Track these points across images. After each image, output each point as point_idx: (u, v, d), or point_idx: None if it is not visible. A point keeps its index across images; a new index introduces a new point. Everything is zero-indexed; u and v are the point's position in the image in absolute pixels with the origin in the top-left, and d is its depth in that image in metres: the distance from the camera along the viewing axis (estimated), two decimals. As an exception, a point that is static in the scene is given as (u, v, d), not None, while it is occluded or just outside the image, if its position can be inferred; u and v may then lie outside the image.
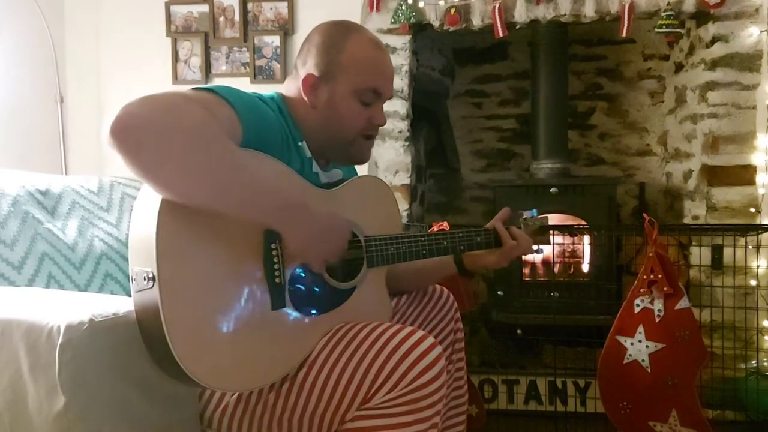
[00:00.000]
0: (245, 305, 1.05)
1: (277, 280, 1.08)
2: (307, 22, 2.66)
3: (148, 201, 0.98)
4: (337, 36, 1.23)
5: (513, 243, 1.40)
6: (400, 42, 2.58)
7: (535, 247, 1.48)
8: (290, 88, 1.26)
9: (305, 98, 1.22)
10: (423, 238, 1.32)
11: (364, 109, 1.24)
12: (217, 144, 0.95)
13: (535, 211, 1.48)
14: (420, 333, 1.07)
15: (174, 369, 0.96)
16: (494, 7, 2.42)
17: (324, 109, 1.22)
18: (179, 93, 1.00)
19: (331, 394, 1.06)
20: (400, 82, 2.58)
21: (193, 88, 1.06)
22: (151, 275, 0.95)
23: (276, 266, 1.08)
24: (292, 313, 1.11)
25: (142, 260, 0.97)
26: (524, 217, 1.47)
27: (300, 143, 1.23)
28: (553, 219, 2.67)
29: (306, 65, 1.23)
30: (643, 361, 1.81)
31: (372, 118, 1.26)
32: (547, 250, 2.51)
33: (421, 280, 1.49)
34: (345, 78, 1.21)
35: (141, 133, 0.90)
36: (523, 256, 2.65)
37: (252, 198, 0.99)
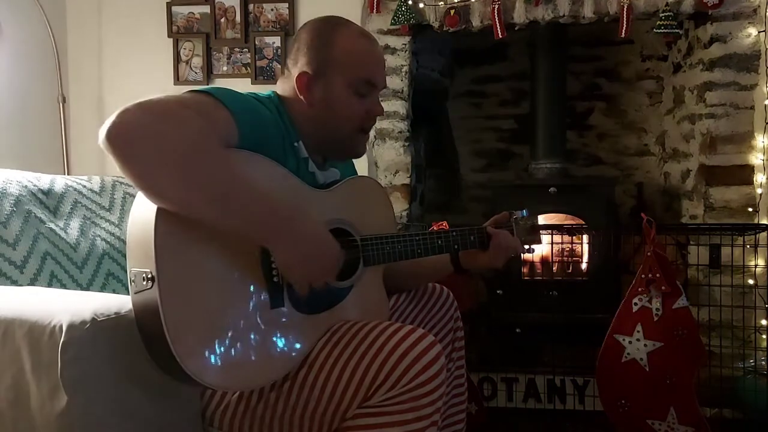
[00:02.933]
0: (244, 304, 1.05)
1: (275, 279, 1.09)
2: (307, 23, 2.67)
3: (146, 202, 0.98)
4: (325, 31, 1.23)
5: (501, 244, 1.41)
6: (400, 43, 2.59)
7: (526, 246, 1.49)
8: (284, 88, 1.27)
9: (301, 97, 1.22)
10: (418, 237, 1.32)
11: (361, 101, 1.25)
12: (210, 155, 0.96)
13: (525, 211, 1.49)
14: (419, 331, 1.07)
15: (175, 369, 0.97)
16: (493, 8, 2.43)
17: (321, 106, 1.23)
18: (176, 98, 1.01)
19: (332, 393, 1.07)
20: (400, 83, 2.59)
21: (191, 90, 1.07)
22: (150, 276, 0.95)
23: (274, 265, 1.09)
24: (291, 312, 1.11)
25: (141, 261, 0.98)
26: (515, 217, 1.48)
27: (296, 143, 1.23)
28: (552, 219, 2.68)
29: (298, 64, 1.24)
30: (641, 359, 1.82)
31: (369, 110, 1.27)
32: (546, 249, 2.52)
33: (419, 280, 1.50)
34: (338, 72, 1.22)
35: (136, 140, 0.90)
36: (522, 255, 2.66)
37: (242, 213, 0.98)
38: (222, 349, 1.01)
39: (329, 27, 1.24)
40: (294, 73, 1.23)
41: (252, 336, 1.06)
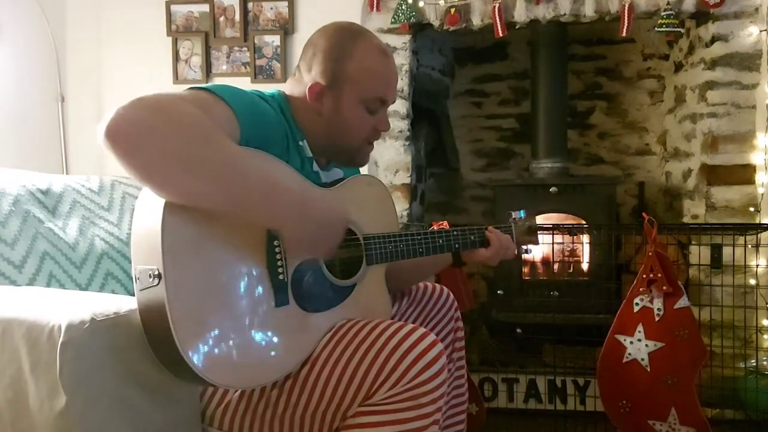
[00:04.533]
0: (249, 302, 1.05)
1: (280, 277, 1.09)
2: (308, 22, 2.66)
3: (152, 198, 0.98)
4: (345, 43, 1.22)
5: (497, 245, 1.42)
6: (400, 42, 2.59)
7: (524, 247, 1.51)
8: (293, 90, 1.26)
9: (311, 105, 1.22)
10: (420, 236, 1.33)
11: (370, 117, 1.25)
12: (213, 141, 0.95)
13: (522, 212, 1.51)
14: (421, 330, 1.07)
15: (180, 367, 0.97)
16: (494, 7, 2.43)
17: (330, 116, 1.23)
18: (173, 93, 1.00)
19: (334, 391, 1.07)
20: (401, 82, 2.59)
21: (190, 88, 1.06)
22: (156, 272, 0.95)
23: (279, 263, 1.08)
24: (296, 311, 1.11)
25: (147, 258, 0.97)
26: (513, 218, 1.49)
27: (301, 142, 1.23)
28: (553, 218, 2.68)
29: (312, 72, 1.23)
30: (642, 360, 1.82)
31: (377, 125, 1.27)
32: (547, 249, 2.52)
33: (419, 275, 1.51)
34: (352, 87, 1.22)
35: (133, 135, 0.90)
36: (522, 256, 2.66)
37: (248, 195, 0.97)
38: (228, 346, 1.01)
39: (349, 38, 1.23)
40: (306, 80, 1.23)
41: (256, 334, 1.05)
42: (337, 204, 1.21)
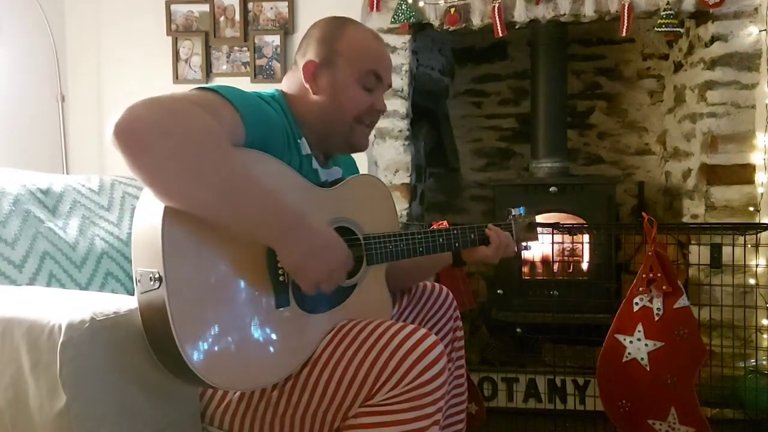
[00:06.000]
0: (250, 304, 1.05)
1: (281, 279, 1.09)
2: (308, 22, 2.63)
3: (152, 202, 0.98)
4: (335, 27, 1.26)
5: (497, 242, 1.42)
6: (400, 41, 2.59)
7: (523, 244, 1.52)
8: (290, 83, 1.27)
9: (306, 86, 1.23)
10: (420, 236, 1.33)
11: (367, 94, 1.26)
12: (222, 153, 0.95)
13: (522, 209, 1.52)
14: (422, 331, 1.08)
15: (181, 369, 0.97)
16: (494, 7, 2.43)
17: (326, 95, 1.23)
18: (183, 96, 1.01)
19: (335, 392, 1.07)
20: (400, 82, 2.59)
21: (196, 88, 1.07)
22: (157, 275, 0.95)
23: (279, 265, 1.09)
24: (296, 312, 1.11)
25: (148, 261, 0.98)
26: (513, 215, 1.50)
27: (299, 140, 1.23)
28: (553, 218, 2.68)
29: (306, 56, 1.25)
30: (642, 359, 1.82)
31: (374, 104, 1.27)
32: (547, 248, 2.52)
33: (420, 275, 1.51)
34: (346, 63, 1.23)
35: (145, 136, 0.90)
36: (522, 254, 2.67)
37: (248, 212, 0.98)
38: (229, 348, 1.01)
39: (339, 22, 1.27)
40: (301, 64, 1.24)
41: (258, 336, 1.06)
42: (337, 208, 1.21)
